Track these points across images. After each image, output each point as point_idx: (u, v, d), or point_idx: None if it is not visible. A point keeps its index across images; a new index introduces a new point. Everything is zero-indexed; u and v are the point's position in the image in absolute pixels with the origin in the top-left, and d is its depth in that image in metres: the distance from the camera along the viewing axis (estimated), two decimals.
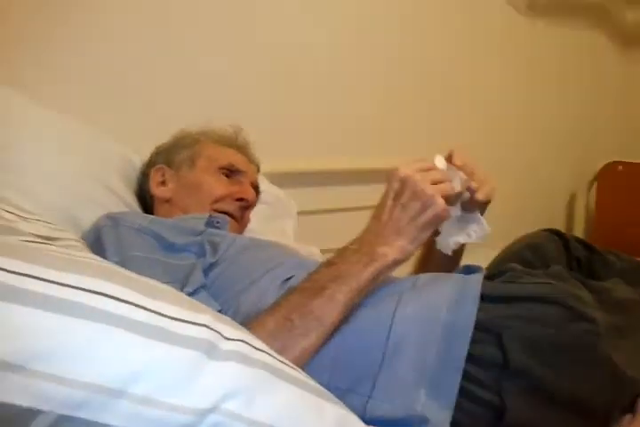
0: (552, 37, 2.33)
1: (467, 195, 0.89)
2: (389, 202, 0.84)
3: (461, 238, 0.93)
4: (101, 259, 0.60)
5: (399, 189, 0.83)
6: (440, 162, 0.89)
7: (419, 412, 0.74)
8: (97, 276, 0.50)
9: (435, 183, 0.83)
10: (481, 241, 0.94)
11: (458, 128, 2.07)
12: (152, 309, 0.51)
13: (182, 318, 0.52)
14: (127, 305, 0.49)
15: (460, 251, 1.04)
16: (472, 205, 0.91)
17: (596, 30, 2.50)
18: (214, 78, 1.53)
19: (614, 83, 2.56)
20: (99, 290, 0.48)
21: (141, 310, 0.50)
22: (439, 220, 0.84)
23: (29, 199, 0.98)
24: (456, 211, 0.91)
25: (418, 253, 1.11)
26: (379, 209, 0.85)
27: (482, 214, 0.94)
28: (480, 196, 0.90)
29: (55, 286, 0.47)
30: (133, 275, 0.57)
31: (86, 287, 0.48)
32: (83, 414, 0.44)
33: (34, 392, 0.42)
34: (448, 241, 0.93)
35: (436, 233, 0.94)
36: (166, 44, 1.46)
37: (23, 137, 1.09)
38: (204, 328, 0.53)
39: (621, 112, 2.58)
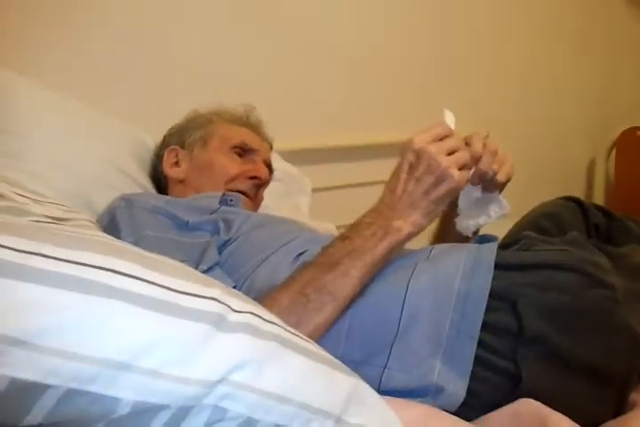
0: (569, 2, 2.28)
1: (489, 174, 0.87)
2: (403, 175, 0.83)
3: (481, 220, 0.92)
4: (111, 237, 0.60)
5: (414, 161, 0.82)
6: (449, 117, 0.88)
7: (434, 381, 0.74)
8: (104, 252, 0.51)
9: (450, 153, 0.82)
10: (501, 220, 0.93)
11: (472, 97, 2.04)
12: (160, 283, 0.51)
13: (191, 291, 0.52)
14: (135, 280, 0.49)
15: None
16: (492, 185, 0.90)
17: None
18: (226, 57, 1.53)
19: (633, 48, 2.51)
20: (105, 266, 0.49)
21: (149, 285, 0.50)
22: (454, 193, 0.83)
23: (43, 184, 0.99)
24: (477, 192, 0.89)
25: (434, 229, 1.11)
26: (393, 181, 0.84)
27: (500, 192, 0.93)
28: (501, 177, 0.88)
29: (62, 262, 0.47)
30: (142, 251, 0.57)
31: (93, 264, 0.48)
32: (92, 388, 0.44)
33: (43, 367, 0.43)
34: (468, 223, 0.92)
35: (456, 214, 0.93)
36: (178, 25, 1.45)
37: (32, 122, 1.10)
38: (213, 301, 0.53)
39: (638, 77, 2.53)
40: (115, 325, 0.46)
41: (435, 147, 0.81)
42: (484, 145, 0.86)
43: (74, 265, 0.47)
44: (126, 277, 0.49)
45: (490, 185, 0.90)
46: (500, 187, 0.92)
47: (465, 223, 0.92)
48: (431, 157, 0.80)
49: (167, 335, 0.48)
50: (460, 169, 0.81)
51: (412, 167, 0.82)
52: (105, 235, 0.61)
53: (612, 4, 2.47)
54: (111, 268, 0.49)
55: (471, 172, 0.86)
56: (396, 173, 0.84)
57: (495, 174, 0.88)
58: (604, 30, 2.41)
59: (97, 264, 0.48)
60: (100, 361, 0.45)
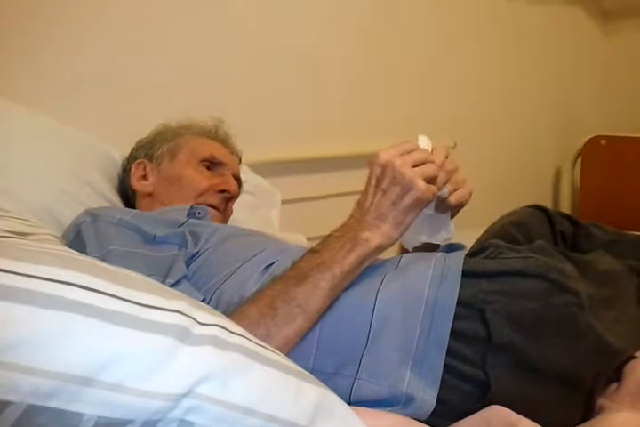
0: (533, 15, 2.32)
1: (443, 192, 0.87)
2: (371, 189, 0.84)
3: (423, 238, 0.92)
4: (72, 251, 0.59)
5: (380, 174, 0.83)
6: (423, 142, 0.89)
7: (404, 391, 0.74)
8: (64, 266, 0.50)
9: (417, 165, 0.83)
10: (443, 243, 0.94)
11: (442, 110, 2.06)
12: (123, 297, 0.50)
13: (154, 304, 0.52)
14: (95, 294, 0.49)
15: None
16: (443, 206, 0.90)
17: (576, 6, 2.50)
18: (195, 70, 1.53)
19: (596, 57, 2.56)
20: (65, 280, 0.48)
21: (111, 298, 0.49)
22: (421, 203, 0.83)
23: (7, 198, 0.98)
24: (429, 208, 0.89)
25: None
26: (362, 196, 0.86)
27: (452, 217, 0.94)
28: (452, 199, 0.88)
29: (19, 277, 0.46)
30: (104, 265, 0.57)
31: (52, 277, 0.47)
32: (53, 404, 0.43)
33: (2, 383, 0.42)
34: (411, 237, 0.91)
35: None
36: (143, 37, 1.45)
37: (4, 136, 1.08)
38: (177, 314, 0.52)
39: (603, 87, 2.58)
40: (74, 339, 0.45)
41: (400, 159, 0.82)
42: (442, 163, 0.86)
43: (31, 279, 0.46)
44: (86, 291, 0.48)
45: (441, 205, 0.90)
46: (452, 210, 0.92)
47: (410, 237, 0.91)
48: (395, 168, 0.82)
49: (130, 349, 0.47)
50: (428, 182, 0.82)
51: (378, 180, 0.84)
52: (66, 249, 0.60)
53: (577, 16, 2.53)
54: (71, 281, 0.48)
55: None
56: (365, 189, 0.86)
57: (448, 195, 0.88)
58: (568, 41, 2.46)
59: (55, 278, 0.47)
60: (59, 376, 0.44)
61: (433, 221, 0.91)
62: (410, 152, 0.84)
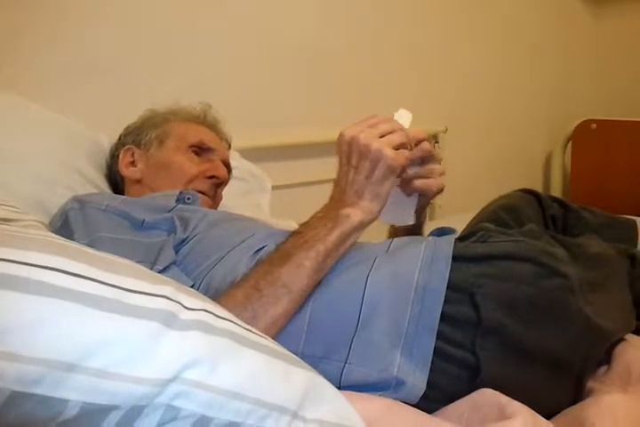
0: None
1: (411, 172, 0.87)
2: (343, 167, 0.85)
3: (384, 217, 0.89)
4: (58, 237, 0.59)
5: (348, 151, 0.84)
6: (402, 116, 0.89)
7: (395, 375, 0.74)
8: (48, 252, 0.49)
9: (383, 136, 0.83)
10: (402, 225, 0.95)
11: (433, 96, 2.05)
12: (108, 282, 0.50)
13: (141, 290, 0.51)
14: (81, 279, 0.48)
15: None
16: (409, 187, 0.91)
17: None
18: (182, 55, 1.51)
19: (587, 41, 2.55)
20: (49, 265, 0.47)
21: (97, 284, 0.49)
22: (394, 169, 0.82)
23: None
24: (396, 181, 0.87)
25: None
26: (337, 177, 0.86)
27: (425, 208, 0.94)
28: (418, 183, 0.89)
29: (4, 263, 0.46)
30: (90, 250, 0.56)
31: (36, 263, 0.47)
32: (38, 390, 0.43)
33: None
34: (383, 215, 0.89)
35: None
36: (131, 23, 1.43)
37: None
38: (164, 299, 0.52)
39: (594, 71, 2.57)
40: (59, 325, 0.45)
41: (364, 133, 0.83)
42: (419, 144, 0.88)
43: (15, 265, 0.46)
44: (71, 276, 0.47)
45: (406, 186, 0.91)
46: (422, 199, 0.94)
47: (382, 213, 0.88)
48: (360, 143, 0.82)
49: (115, 334, 0.47)
50: (396, 149, 0.82)
51: (348, 158, 0.84)
52: (52, 235, 0.59)
53: (567, 0, 2.51)
54: (55, 266, 0.47)
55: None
56: (338, 169, 0.86)
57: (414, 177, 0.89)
58: (559, 25, 2.45)
59: (39, 263, 0.47)
60: (44, 362, 0.43)
61: (399, 200, 0.91)
62: (375, 125, 0.84)
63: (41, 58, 1.30)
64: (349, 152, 0.83)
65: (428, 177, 0.91)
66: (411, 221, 0.94)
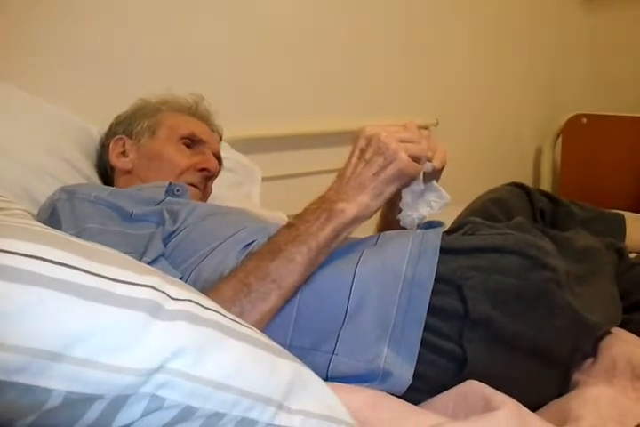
0: None
1: (429, 166, 0.87)
2: (354, 159, 0.84)
3: (424, 211, 0.90)
4: (44, 226, 0.58)
5: (364, 146, 0.83)
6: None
7: (381, 366, 0.74)
8: (32, 240, 0.49)
9: (402, 142, 0.82)
10: (442, 210, 0.94)
11: (424, 88, 2.05)
12: (93, 271, 0.50)
13: (126, 279, 0.51)
14: (65, 268, 0.48)
15: None
16: (429, 174, 0.89)
17: None
18: (173, 46, 1.50)
19: (579, 35, 2.55)
20: (35, 254, 0.47)
21: (81, 273, 0.49)
22: (403, 175, 0.82)
23: None
24: (419, 185, 0.88)
25: (377, 223, 1.10)
26: (344, 167, 0.85)
27: (437, 181, 0.93)
28: (437, 163, 0.88)
29: None
30: (76, 240, 0.56)
31: (19, 251, 0.46)
32: (21, 379, 0.43)
33: None
34: (412, 216, 0.90)
35: (399, 210, 0.92)
36: (122, 12, 1.42)
37: None
38: (149, 289, 0.52)
39: (586, 65, 2.58)
40: (43, 314, 0.44)
41: (386, 132, 0.82)
42: (429, 146, 0.86)
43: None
44: (55, 265, 0.47)
45: (426, 174, 0.90)
46: (436, 175, 0.91)
47: (409, 217, 0.90)
48: (380, 140, 0.82)
49: (100, 324, 0.46)
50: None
51: (362, 151, 0.83)
52: (36, 223, 0.59)
53: None
54: (39, 255, 0.47)
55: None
56: (347, 160, 0.85)
57: (432, 168, 0.87)
58: (550, 20, 2.45)
59: (23, 252, 0.46)
60: (28, 351, 0.43)
61: (424, 193, 0.91)
62: (400, 130, 0.84)
63: (32, 48, 1.29)
64: (366, 146, 0.83)
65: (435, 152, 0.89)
66: (445, 198, 0.92)
